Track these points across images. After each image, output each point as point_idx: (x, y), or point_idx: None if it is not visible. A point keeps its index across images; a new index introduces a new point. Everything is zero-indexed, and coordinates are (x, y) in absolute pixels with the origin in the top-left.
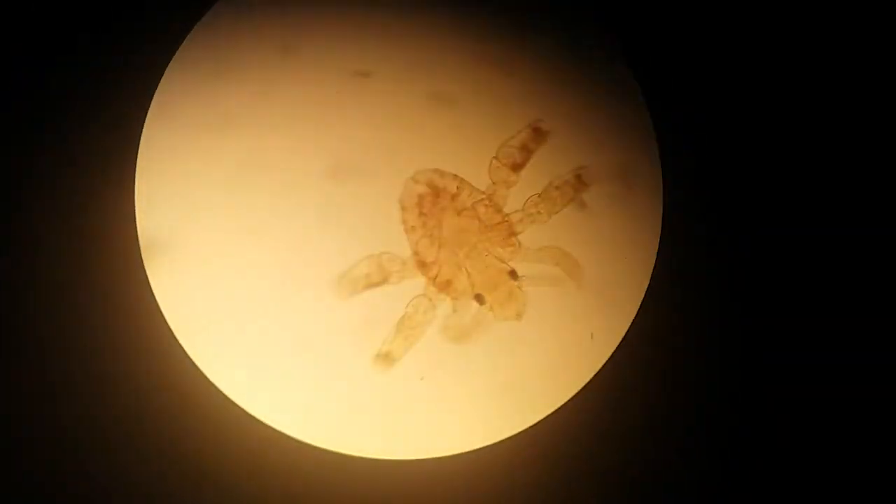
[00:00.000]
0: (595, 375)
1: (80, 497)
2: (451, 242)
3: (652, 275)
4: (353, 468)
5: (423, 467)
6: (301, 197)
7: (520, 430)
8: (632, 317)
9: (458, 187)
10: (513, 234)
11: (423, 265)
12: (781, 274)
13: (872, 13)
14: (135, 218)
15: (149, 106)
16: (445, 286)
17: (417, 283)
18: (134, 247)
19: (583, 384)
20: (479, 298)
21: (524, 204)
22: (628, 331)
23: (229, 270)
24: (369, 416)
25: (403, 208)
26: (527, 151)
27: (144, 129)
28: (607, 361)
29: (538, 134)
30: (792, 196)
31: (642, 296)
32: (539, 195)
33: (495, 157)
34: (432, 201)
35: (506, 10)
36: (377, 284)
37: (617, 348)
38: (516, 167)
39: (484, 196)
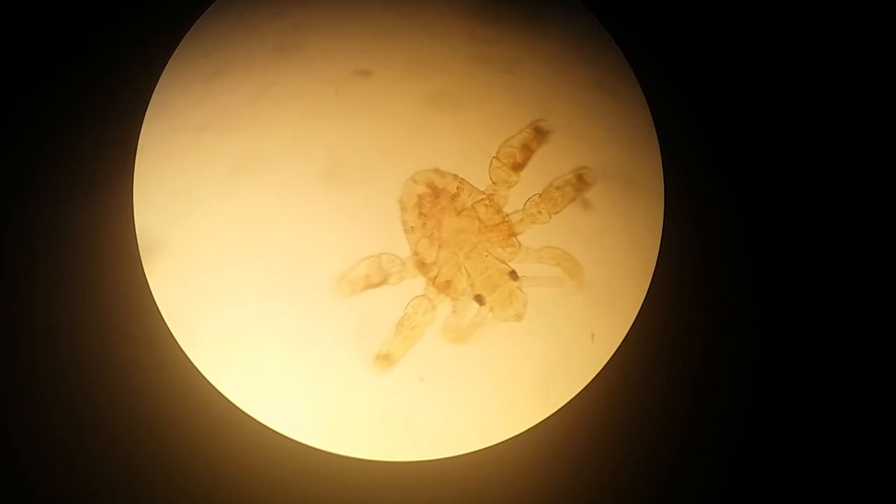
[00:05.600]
0: (596, 376)
1: (77, 495)
2: (451, 243)
3: (653, 276)
4: (352, 470)
5: (423, 469)
6: (300, 197)
7: (521, 431)
8: (633, 318)
9: (458, 187)
10: (513, 234)
11: (422, 266)
12: (782, 274)
13: (873, 10)
14: (133, 218)
15: (147, 106)
16: (445, 287)
17: (417, 283)
18: (132, 247)
19: (583, 385)
20: (479, 299)
21: (525, 204)
22: (629, 332)
23: (228, 270)
24: (369, 418)
25: (403, 209)
26: (527, 151)
27: (143, 130)
28: (608, 362)
29: (539, 133)
30: (793, 197)
31: (643, 297)
32: (540, 195)
33: (495, 157)
34: (432, 201)
35: (505, 9)
36: (377, 285)
37: (618, 349)
38: (517, 167)
39: (484, 196)
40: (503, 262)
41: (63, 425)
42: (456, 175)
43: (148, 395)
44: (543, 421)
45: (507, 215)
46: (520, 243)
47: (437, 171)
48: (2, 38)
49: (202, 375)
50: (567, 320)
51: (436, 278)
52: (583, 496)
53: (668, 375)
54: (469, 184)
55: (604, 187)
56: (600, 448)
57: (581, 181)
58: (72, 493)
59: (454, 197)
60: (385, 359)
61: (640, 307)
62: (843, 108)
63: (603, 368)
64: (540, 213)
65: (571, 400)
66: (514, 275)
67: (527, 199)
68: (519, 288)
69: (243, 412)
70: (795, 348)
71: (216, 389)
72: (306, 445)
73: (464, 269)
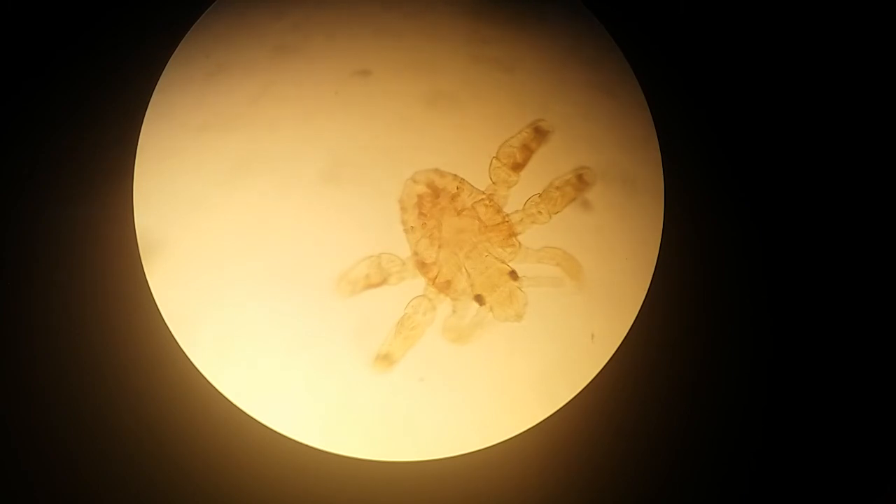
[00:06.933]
0: (596, 376)
1: (77, 495)
2: (451, 243)
3: (653, 276)
4: (352, 470)
5: (423, 469)
6: (300, 197)
7: (521, 431)
8: (633, 318)
9: (458, 187)
10: (513, 234)
11: (422, 266)
12: (782, 274)
13: (873, 10)
14: (133, 218)
15: (147, 106)
16: (445, 287)
17: (417, 283)
18: (132, 247)
19: (583, 385)
20: (479, 299)
21: (525, 204)
22: (629, 332)
23: (228, 270)
24: (369, 418)
25: (403, 209)
26: (527, 151)
27: (143, 130)
28: (608, 362)
29: (538, 134)
30: (793, 197)
31: (643, 297)
32: (540, 195)
33: (495, 157)
34: (432, 201)
35: (505, 10)
36: (377, 285)
37: (618, 349)
38: (517, 167)
39: (484, 196)
40: (503, 262)
41: (63, 425)
42: (456, 175)
43: (148, 395)
44: (543, 421)
45: (507, 215)
46: (520, 243)
47: (437, 171)
48: (2, 38)
49: (202, 375)
50: (567, 320)
51: (436, 278)
52: (583, 496)
53: (668, 375)
54: (469, 184)
55: (604, 187)
56: (600, 448)
57: (581, 181)
58: (72, 493)
59: (454, 197)
60: (385, 359)
61: (640, 307)
62: (842, 108)
63: (603, 368)
64: (540, 213)
65: (571, 400)
66: (514, 275)
67: (527, 199)
68: (519, 288)
69: (243, 412)
70: (795, 348)
71: (216, 389)
72: (306, 445)
73: (464, 269)
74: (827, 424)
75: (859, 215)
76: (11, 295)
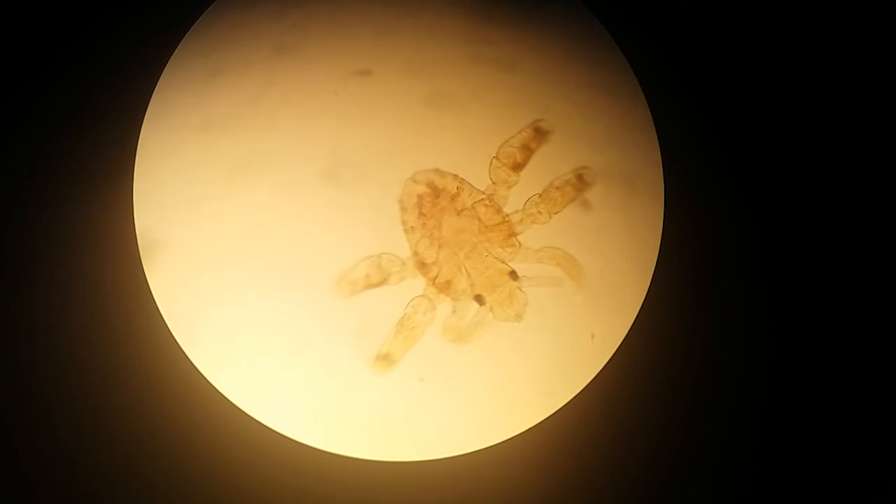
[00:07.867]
0: (596, 376)
1: (77, 495)
2: (451, 243)
3: (653, 276)
4: (352, 470)
5: (423, 469)
6: (300, 197)
7: (520, 431)
8: (633, 318)
9: (457, 187)
10: (513, 234)
11: (422, 266)
12: (782, 274)
13: (873, 10)
14: (133, 218)
15: (147, 106)
16: (445, 287)
17: (417, 283)
18: (132, 247)
19: (583, 385)
20: (479, 299)
21: (525, 204)
22: (629, 332)
23: (228, 270)
24: (369, 418)
25: (403, 209)
26: (527, 151)
27: (143, 130)
28: (608, 362)
29: (538, 134)
30: (793, 197)
31: (643, 297)
32: (540, 195)
33: (495, 157)
34: (432, 201)
35: (505, 10)
36: (377, 285)
37: (618, 349)
38: (517, 167)
39: (484, 196)
40: (503, 262)
41: (63, 425)
42: (456, 175)
43: (148, 395)
44: (543, 421)
45: (507, 215)
46: (520, 243)
47: (437, 171)
48: (2, 38)
49: (202, 375)
50: (567, 320)
51: (436, 278)
52: (583, 496)
53: (668, 375)
54: (469, 184)
55: (604, 187)
56: (600, 448)
57: (581, 181)
58: (72, 493)
59: (454, 197)
60: (385, 359)
61: (640, 307)
62: (842, 108)
63: (603, 368)
64: (540, 213)
65: (571, 400)
66: (514, 275)
67: (527, 199)
68: (519, 288)
69: (243, 412)
70: (795, 348)
71: (216, 389)
72: (306, 445)
73: (464, 269)
74: (827, 424)
75: (859, 215)
76: (11, 295)
